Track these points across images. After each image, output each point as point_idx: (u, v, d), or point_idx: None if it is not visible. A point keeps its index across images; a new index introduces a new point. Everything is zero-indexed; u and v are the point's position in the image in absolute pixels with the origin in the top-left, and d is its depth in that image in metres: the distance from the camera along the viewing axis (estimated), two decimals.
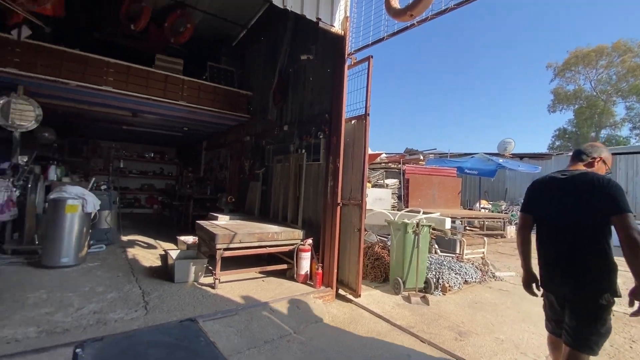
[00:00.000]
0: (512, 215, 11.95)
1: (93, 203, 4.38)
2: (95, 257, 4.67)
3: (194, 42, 6.75)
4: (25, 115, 4.96)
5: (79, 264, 4.20)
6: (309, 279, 4.09)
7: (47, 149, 6.98)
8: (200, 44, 7.32)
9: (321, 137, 4.22)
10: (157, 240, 6.31)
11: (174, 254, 4.07)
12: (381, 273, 4.64)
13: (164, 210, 10.86)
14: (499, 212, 11.51)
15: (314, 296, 3.63)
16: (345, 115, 3.97)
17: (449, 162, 11.69)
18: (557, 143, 28.91)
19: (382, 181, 10.04)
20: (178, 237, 5.46)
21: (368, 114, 3.77)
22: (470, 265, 4.86)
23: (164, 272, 4.08)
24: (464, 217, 8.71)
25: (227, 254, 3.68)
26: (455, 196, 10.60)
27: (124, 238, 6.26)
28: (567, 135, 28.94)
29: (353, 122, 4.01)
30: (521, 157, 12.99)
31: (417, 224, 4.12)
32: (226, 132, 8.13)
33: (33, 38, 4.86)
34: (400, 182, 10.20)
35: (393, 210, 9.68)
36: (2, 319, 2.67)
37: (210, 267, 3.84)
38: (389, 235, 5.08)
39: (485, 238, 5.47)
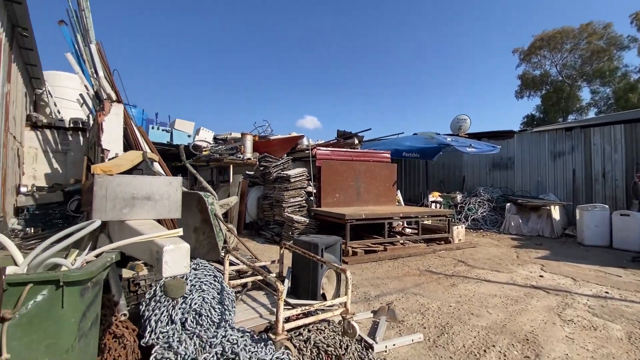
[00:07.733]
0: (468, 210, 9.35)
1: None
2: None
3: None
4: None
5: None
6: None
7: None
8: None
9: None
10: None
11: None
12: None
13: None
14: (449, 207, 8.87)
15: None
16: None
17: (382, 145, 8.95)
18: None
19: (285, 173, 7.13)
20: None
21: None
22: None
23: None
24: (385, 217, 5.92)
25: None
26: (388, 188, 7.83)
27: None
28: (535, 122, 27.48)
29: None
30: (479, 137, 10.47)
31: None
32: None
33: None
34: (309, 172, 7.32)
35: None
36: None
37: None
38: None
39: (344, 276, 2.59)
